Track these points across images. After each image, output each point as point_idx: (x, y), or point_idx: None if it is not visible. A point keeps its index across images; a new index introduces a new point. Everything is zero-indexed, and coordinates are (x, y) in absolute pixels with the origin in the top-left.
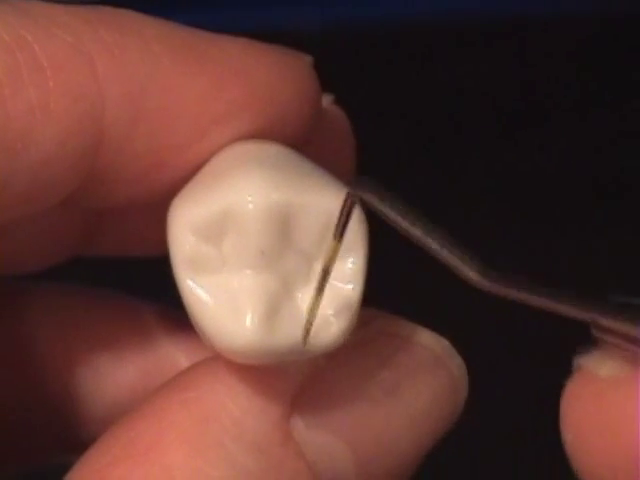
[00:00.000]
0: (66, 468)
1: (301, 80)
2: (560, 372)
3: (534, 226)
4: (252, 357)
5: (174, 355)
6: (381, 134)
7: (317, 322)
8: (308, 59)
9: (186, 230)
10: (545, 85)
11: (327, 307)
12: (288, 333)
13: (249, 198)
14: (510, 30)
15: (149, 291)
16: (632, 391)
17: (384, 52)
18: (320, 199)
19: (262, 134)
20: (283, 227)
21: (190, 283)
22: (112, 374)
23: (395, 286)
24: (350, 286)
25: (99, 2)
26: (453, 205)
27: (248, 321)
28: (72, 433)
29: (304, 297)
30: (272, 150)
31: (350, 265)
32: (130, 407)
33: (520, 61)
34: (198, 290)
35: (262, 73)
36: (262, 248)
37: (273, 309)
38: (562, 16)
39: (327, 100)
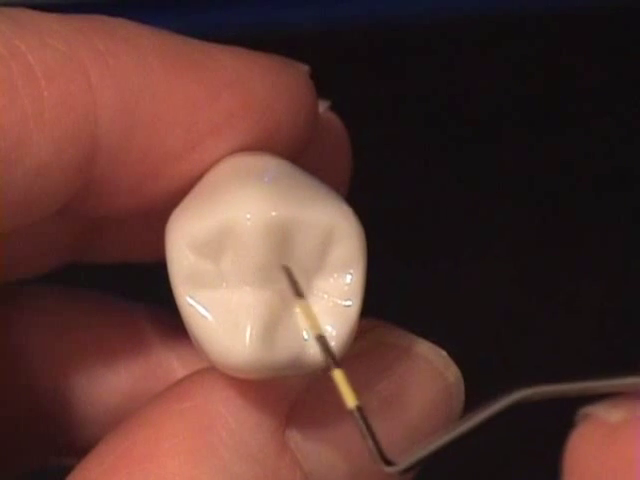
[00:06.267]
0: (59, 471)
1: (297, 89)
2: (560, 379)
3: (536, 224)
4: (251, 373)
5: (168, 360)
6: (380, 134)
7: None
8: (304, 68)
9: (184, 246)
10: (548, 85)
11: (325, 322)
12: (287, 349)
13: (247, 215)
14: (512, 29)
15: (143, 294)
16: None
17: (383, 52)
18: (318, 214)
19: (258, 144)
20: (281, 243)
21: (188, 299)
22: (105, 378)
23: (393, 296)
24: (348, 302)
25: (95, 8)
26: (453, 206)
27: (247, 338)
28: (66, 437)
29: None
30: (270, 163)
31: (348, 280)
32: (124, 411)
33: (521, 60)
34: (197, 306)
35: (257, 82)
36: (260, 265)
37: (272, 325)
38: (565, 14)
39: (323, 106)
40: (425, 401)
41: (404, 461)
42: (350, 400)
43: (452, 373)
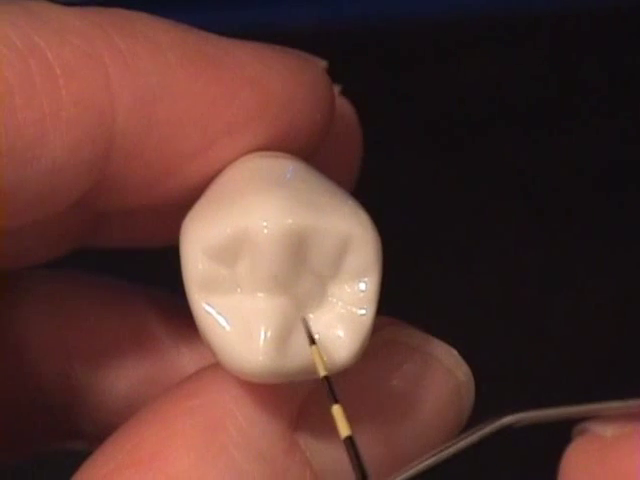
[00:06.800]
0: (68, 454)
1: (315, 88)
2: (563, 379)
3: (537, 222)
4: (264, 379)
5: (175, 346)
6: (383, 134)
7: (329, 344)
8: (322, 64)
9: (199, 251)
10: (554, 85)
11: (339, 329)
12: (300, 355)
13: (264, 223)
14: (518, 30)
15: (149, 278)
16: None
17: (383, 51)
18: (335, 221)
19: (275, 143)
20: (297, 251)
21: (203, 304)
22: (110, 364)
23: (396, 294)
24: (362, 311)
25: (112, 2)
26: (456, 206)
27: (260, 344)
28: (71, 423)
29: (317, 319)
30: (286, 167)
31: (363, 288)
32: (132, 398)
33: (527, 60)
34: (211, 311)
35: (276, 80)
36: (275, 272)
37: (285, 332)
38: (570, 15)
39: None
40: (435, 399)
41: None
42: (344, 431)
43: (463, 372)
